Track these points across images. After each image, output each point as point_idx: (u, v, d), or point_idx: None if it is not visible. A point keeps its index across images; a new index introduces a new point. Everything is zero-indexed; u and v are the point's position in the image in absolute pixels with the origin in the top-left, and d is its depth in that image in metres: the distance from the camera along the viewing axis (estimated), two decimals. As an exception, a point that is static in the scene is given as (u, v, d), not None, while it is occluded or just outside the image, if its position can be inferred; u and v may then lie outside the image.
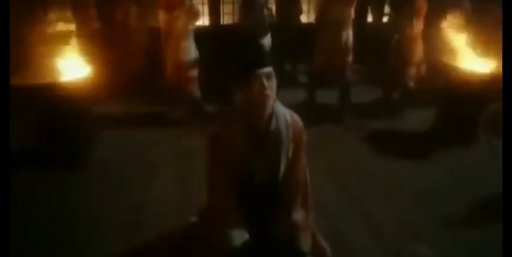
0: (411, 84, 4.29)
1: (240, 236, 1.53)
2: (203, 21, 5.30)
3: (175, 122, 3.91)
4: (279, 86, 1.45)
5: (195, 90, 4.03)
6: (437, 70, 3.72)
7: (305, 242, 1.59)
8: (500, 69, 2.68)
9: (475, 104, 3.41)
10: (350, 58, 3.97)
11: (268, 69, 1.41)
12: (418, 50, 4.17)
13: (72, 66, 3.16)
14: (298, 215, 1.61)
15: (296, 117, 1.64)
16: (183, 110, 4.03)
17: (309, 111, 3.97)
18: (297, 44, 4.92)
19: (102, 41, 4.25)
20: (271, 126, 1.54)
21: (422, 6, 3.94)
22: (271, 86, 1.43)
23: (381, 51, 4.39)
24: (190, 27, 3.82)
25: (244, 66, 1.42)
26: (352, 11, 3.84)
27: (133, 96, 4.41)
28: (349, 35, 3.90)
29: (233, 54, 1.52)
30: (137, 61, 4.59)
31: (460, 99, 3.41)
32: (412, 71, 4.21)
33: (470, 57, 3.43)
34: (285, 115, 1.59)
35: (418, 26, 4.03)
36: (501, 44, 1.90)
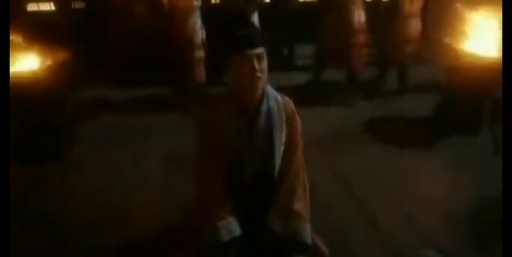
0: (409, 64, 4.13)
1: (231, 230, 1.43)
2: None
3: (175, 109, 3.64)
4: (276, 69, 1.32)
5: (201, 73, 3.70)
6: (439, 52, 3.55)
7: (308, 235, 1.48)
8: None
9: (479, 91, 3.13)
10: (363, 41, 3.78)
11: (260, 50, 1.35)
12: (417, 29, 3.99)
13: (52, 50, 2.93)
14: (300, 205, 1.50)
15: (287, 98, 1.57)
16: (186, 94, 3.77)
17: (311, 96, 3.86)
18: (297, 25, 4.70)
19: (85, 22, 4.04)
20: (262, 107, 1.47)
21: None
22: (262, 68, 1.37)
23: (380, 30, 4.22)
24: (195, 4, 3.52)
25: (234, 46, 1.36)
26: None
27: (123, 81, 4.17)
28: (361, 15, 3.69)
29: (223, 33, 1.43)
30: (124, 44, 4.37)
31: (463, 85, 3.15)
32: (411, 50, 4.02)
33: (475, 39, 3.22)
34: (275, 96, 1.53)
35: (417, 3, 3.86)
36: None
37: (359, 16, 3.66)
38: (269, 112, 1.49)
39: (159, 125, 3.44)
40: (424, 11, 4.04)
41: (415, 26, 3.98)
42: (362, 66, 3.90)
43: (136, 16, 4.26)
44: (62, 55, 2.94)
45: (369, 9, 3.96)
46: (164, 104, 3.79)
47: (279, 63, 4.71)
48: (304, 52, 4.80)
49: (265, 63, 1.37)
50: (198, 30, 3.57)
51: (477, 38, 3.19)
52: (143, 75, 4.16)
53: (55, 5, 4.46)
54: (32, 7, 4.44)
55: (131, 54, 4.24)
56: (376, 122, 3.59)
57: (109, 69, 4.09)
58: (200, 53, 3.62)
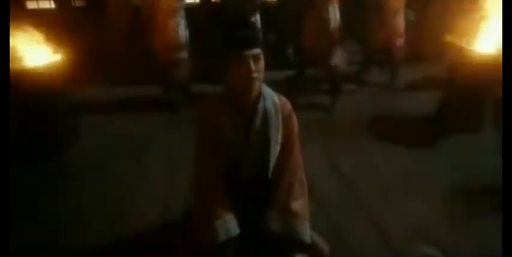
0: (398, 59, 4.12)
1: (229, 230, 1.43)
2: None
3: (164, 108, 3.69)
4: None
5: (185, 72, 3.75)
6: (440, 49, 3.52)
7: (307, 233, 1.48)
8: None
9: (482, 89, 3.09)
10: (339, 38, 3.73)
11: (257, 50, 1.34)
12: (401, 23, 3.99)
13: (49, 49, 2.92)
14: (297, 204, 1.50)
15: (284, 99, 1.57)
16: (172, 94, 3.79)
17: (299, 95, 3.85)
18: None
19: (85, 20, 4.03)
20: (258, 107, 1.48)
21: None
22: (258, 69, 1.37)
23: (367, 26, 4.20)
24: (178, 4, 3.53)
25: (230, 47, 1.35)
26: None
27: (117, 80, 4.19)
28: (336, 13, 3.64)
29: (220, 33, 1.42)
30: (121, 42, 4.36)
31: (464, 84, 3.12)
32: (398, 45, 4.02)
33: (476, 37, 3.16)
34: (272, 96, 1.53)
35: None
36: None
37: (335, 15, 3.61)
38: (265, 112, 1.49)
39: (154, 125, 3.45)
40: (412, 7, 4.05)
41: (399, 20, 3.97)
42: (341, 64, 3.85)
43: (127, 16, 4.29)
44: (60, 54, 2.93)
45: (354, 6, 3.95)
46: (153, 103, 3.80)
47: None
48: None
49: (261, 63, 1.37)
50: (182, 31, 3.55)
51: (479, 36, 3.14)
52: (131, 74, 4.19)
53: (55, 3, 4.46)
54: (31, 5, 4.44)
55: (121, 54, 4.27)
56: (374, 120, 3.57)
57: (100, 68, 4.11)
58: (183, 54, 3.61)
